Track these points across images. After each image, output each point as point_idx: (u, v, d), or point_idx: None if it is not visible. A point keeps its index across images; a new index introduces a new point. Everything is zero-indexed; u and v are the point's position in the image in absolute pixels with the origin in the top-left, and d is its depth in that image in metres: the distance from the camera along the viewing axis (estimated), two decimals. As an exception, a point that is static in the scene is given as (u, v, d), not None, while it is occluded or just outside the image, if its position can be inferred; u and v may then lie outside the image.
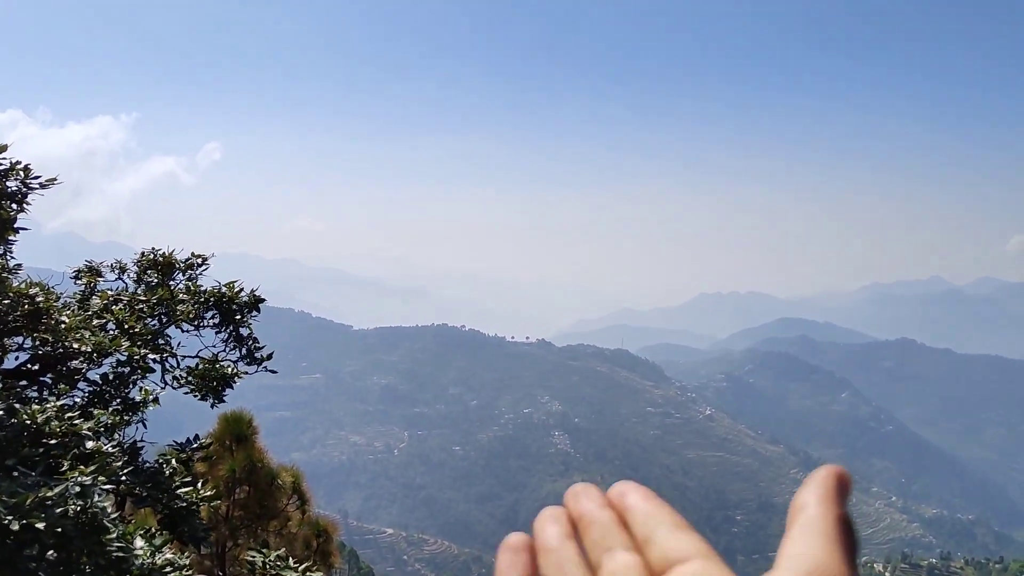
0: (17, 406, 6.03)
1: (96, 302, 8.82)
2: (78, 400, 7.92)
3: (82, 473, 4.97)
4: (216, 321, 9.17)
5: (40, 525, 4.51)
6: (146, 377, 8.46)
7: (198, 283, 9.30)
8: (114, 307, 8.75)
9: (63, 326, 7.51)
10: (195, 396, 8.91)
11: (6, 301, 7.24)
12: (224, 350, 9.24)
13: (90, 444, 6.07)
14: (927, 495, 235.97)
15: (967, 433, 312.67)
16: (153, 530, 6.18)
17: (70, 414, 6.18)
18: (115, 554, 4.96)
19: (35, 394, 7.70)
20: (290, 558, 8.28)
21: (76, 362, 7.90)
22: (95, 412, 6.96)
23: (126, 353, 7.99)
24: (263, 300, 9.38)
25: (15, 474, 5.00)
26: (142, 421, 8.18)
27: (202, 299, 9.05)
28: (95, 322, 8.28)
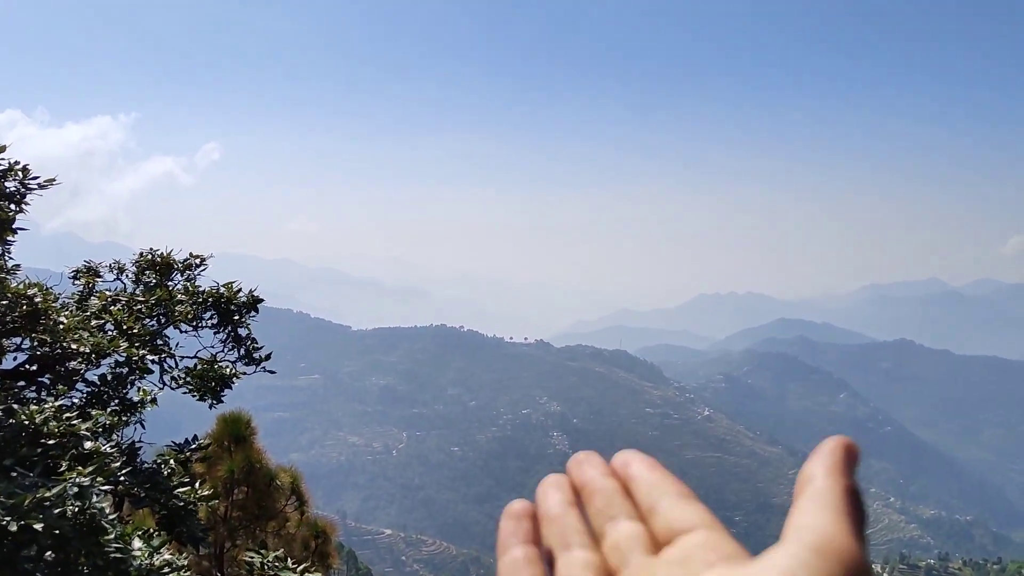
0: (15, 407, 6.03)
1: (94, 303, 8.81)
2: (76, 401, 7.91)
3: (80, 474, 4.97)
4: (214, 321, 9.17)
5: (38, 526, 4.51)
6: (144, 378, 8.46)
7: (196, 284, 9.30)
8: (112, 308, 8.74)
9: (61, 327, 7.50)
10: (193, 397, 8.91)
11: (4, 302, 7.23)
12: (222, 350, 9.24)
13: (88, 445, 6.07)
14: (925, 496, 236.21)
15: (965, 434, 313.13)
16: (151, 531, 6.17)
17: (68, 415, 6.17)
18: (113, 555, 4.96)
19: (33, 395, 7.69)
20: (288, 559, 8.28)
21: (74, 363, 7.89)
22: (93, 413, 6.96)
23: (124, 354, 7.99)
24: (261, 300, 9.38)
25: (13, 475, 4.99)
26: (140, 422, 8.18)
27: (200, 299, 9.05)
28: (93, 323, 8.28)
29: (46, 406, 6.11)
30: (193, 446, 8.75)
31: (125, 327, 8.43)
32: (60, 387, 7.60)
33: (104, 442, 6.55)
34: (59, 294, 8.34)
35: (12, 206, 7.83)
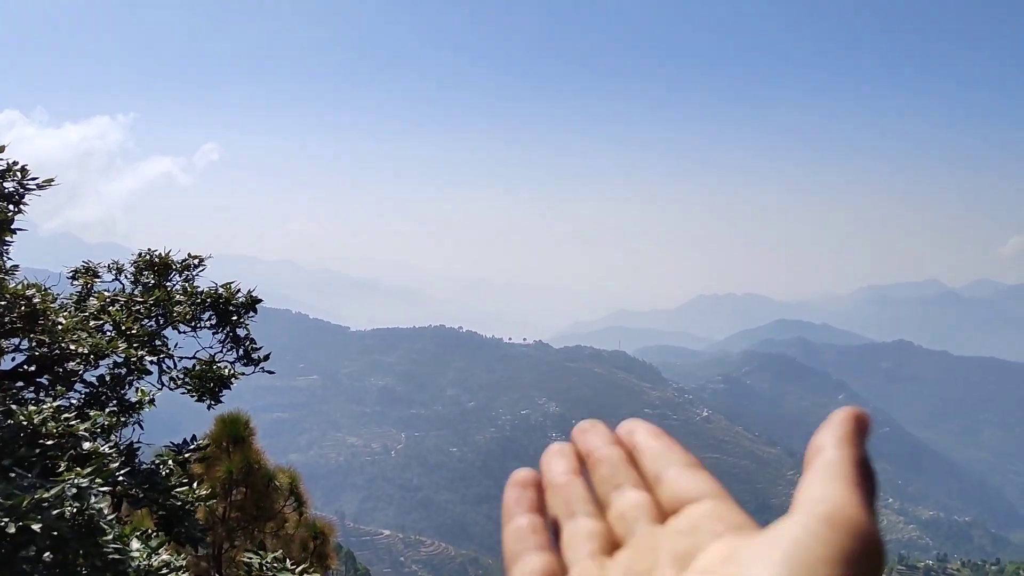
0: (14, 407, 6.03)
1: (93, 303, 8.81)
2: (75, 401, 7.91)
3: (79, 475, 4.96)
4: (213, 322, 9.16)
5: (36, 527, 4.50)
6: (143, 378, 8.46)
7: (195, 284, 9.30)
8: (111, 308, 8.74)
9: (60, 327, 7.50)
10: (192, 397, 8.91)
11: (3, 302, 7.23)
12: (221, 351, 9.23)
13: (87, 445, 6.07)
14: (924, 497, 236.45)
15: (964, 435, 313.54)
16: (150, 531, 6.17)
17: (67, 415, 6.17)
18: (111, 555, 4.95)
19: (32, 395, 7.69)
20: (287, 560, 8.27)
21: (73, 363, 7.89)
22: (92, 413, 6.96)
23: (123, 355, 7.99)
24: (260, 301, 9.38)
25: (12, 475, 4.99)
26: (139, 422, 8.18)
27: (199, 300, 9.04)
28: (92, 323, 8.28)
29: (44, 407, 6.11)
30: (192, 447, 8.75)
31: (124, 328, 8.43)
32: (58, 388, 7.59)
33: (103, 443, 6.55)
34: (57, 295, 8.33)
35: (11, 207, 7.83)
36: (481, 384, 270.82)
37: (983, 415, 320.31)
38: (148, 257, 9.28)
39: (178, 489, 7.30)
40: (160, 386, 8.75)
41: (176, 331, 9.04)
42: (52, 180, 8.03)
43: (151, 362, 8.56)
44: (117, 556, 4.99)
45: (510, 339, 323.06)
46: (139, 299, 8.97)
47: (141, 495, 7.08)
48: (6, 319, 7.28)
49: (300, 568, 8.15)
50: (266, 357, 9.38)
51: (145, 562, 5.43)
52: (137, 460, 7.75)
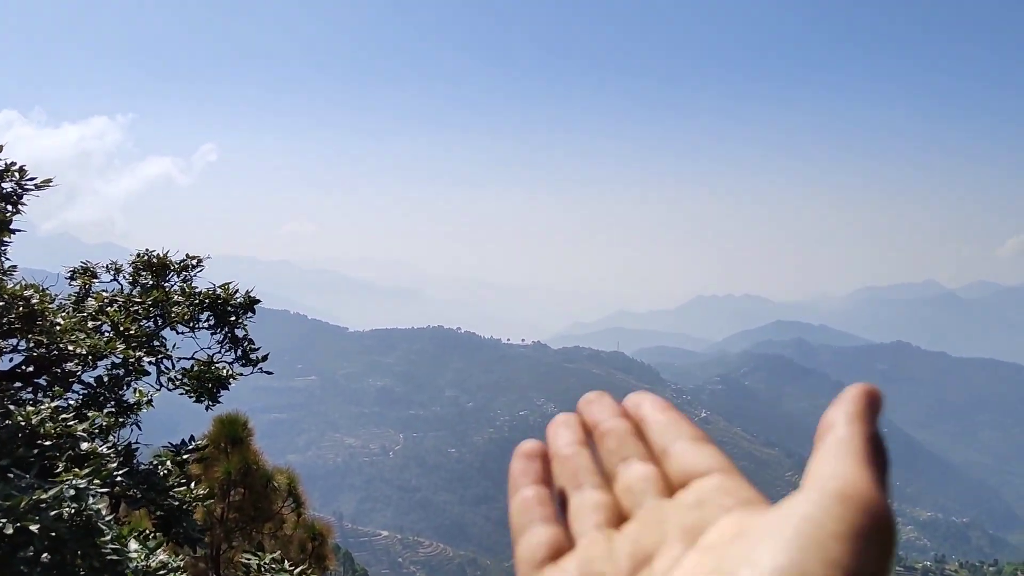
0: (12, 408, 6.03)
1: (91, 304, 8.80)
2: (73, 402, 7.91)
3: (77, 475, 4.96)
4: (211, 323, 9.16)
5: (34, 528, 4.50)
6: (141, 379, 8.45)
7: (193, 285, 9.30)
8: (109, 309, 8.74)
9: (58, 328, 7.50)
10: (190, 398, 8.91)
11: (1, 303, 7.23)
12: (219, 352, 9.23)
13: (85, 446, 6.07)
14: (921, 498, 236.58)
15: (962, 436, 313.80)
16: (148, 532, 6.17)
17: (65, 416, 6.17)
18: (109, 556, 4.95)
19: (30, 396, 7.69)
20: (285, 561, 8.28)
21: (71, 364, 7.89)
22: (90, 414, 6.95)
23: (121, 355, 7.99)
24: (258, 301, 9.37)
25: (10, 476, 4.99)
26: (137, 423, 8.17)
27: (197, 301, 9.04)
28: (90, 324, 8.28)
29: (42, 407, 6.11)
30: (190, 447, 8.74)
31: (122, 328, 8.42)
32: (57, 388, 7.59)
33: (101, 443, 6.54)
34: (55, 295, 8.33)
35: (9, 207, 7.83)
36: (479, 385, 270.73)
37: (981, 416, 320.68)
38: (146, 258, 9.28)
39: (176, 490, 7.30)
40: (158, 387, 8.74)
41: (174, 332, 9.03)
42: (50, 180, 8.03)
43: (149, 363, 8.56)
44: (115, 557, 4.99)
45: (508, 340, 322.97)
46: (137, 300, 8.97)
47: (139, 496, 7.08)
48: (4, 319, 7.28)
49: (298, 569, 8.16)
50: (264, 358, 9.37)
51: (143, 563, 5.43)
52: (135, 461, 7.74)
